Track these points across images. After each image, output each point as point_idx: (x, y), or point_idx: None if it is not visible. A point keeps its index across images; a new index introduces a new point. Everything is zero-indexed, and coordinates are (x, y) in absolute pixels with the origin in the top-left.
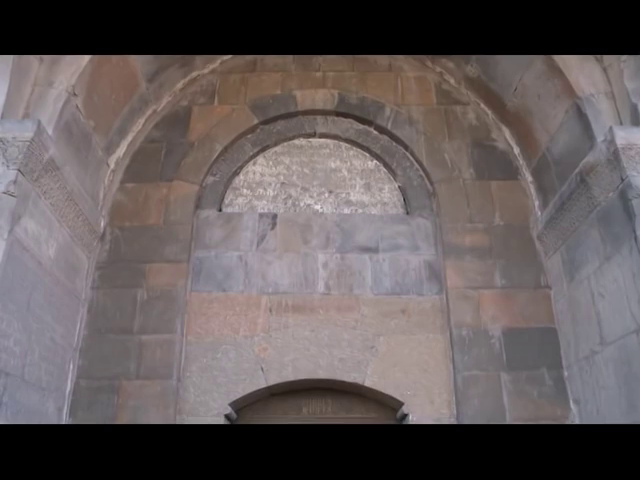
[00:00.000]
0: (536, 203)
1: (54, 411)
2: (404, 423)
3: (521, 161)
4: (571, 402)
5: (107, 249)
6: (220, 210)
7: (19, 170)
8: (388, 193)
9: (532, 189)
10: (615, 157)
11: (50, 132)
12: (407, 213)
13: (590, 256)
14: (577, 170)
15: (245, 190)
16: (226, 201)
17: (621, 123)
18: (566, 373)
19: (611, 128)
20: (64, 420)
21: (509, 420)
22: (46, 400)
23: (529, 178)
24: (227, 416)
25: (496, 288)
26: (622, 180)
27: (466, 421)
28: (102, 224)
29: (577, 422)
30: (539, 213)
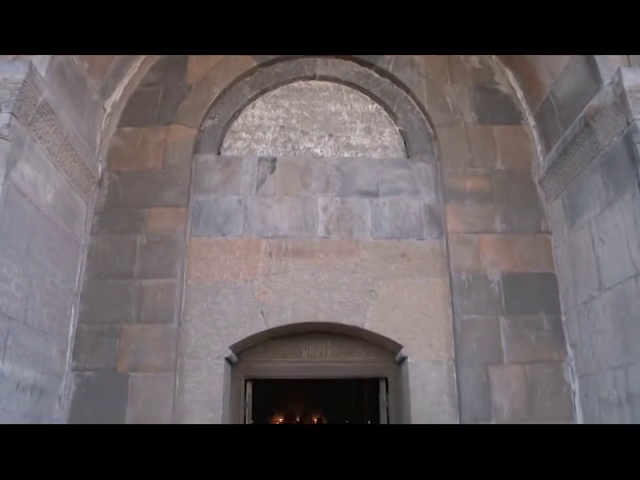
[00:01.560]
0: (538, 148)
1: (57, 354)
2: (403, 365)
3: (524, 105)
4: (568, 346)
5: (105, 194)
6: (219, 154)
7: (12, 113)
8: (389, 137)
9: (535, 134)
10: (622, 100)
11: (43, 74)
12: (408, 157)
13: (592, 201)
14: (581, 114)
15: (244, 134)
16: (225, 145)
17: (629, 65)
18: (564, 318)
19: (619, 70)
20: (67, 363)
21: (506, 362)
22: (49, 344)
23: (532, 122)
24: (228, 359)
25: (496, 233)
26: (628, 124)
27: (464, 364)
28: (99, 169)
29: (573, 365)
30: (541, 158)
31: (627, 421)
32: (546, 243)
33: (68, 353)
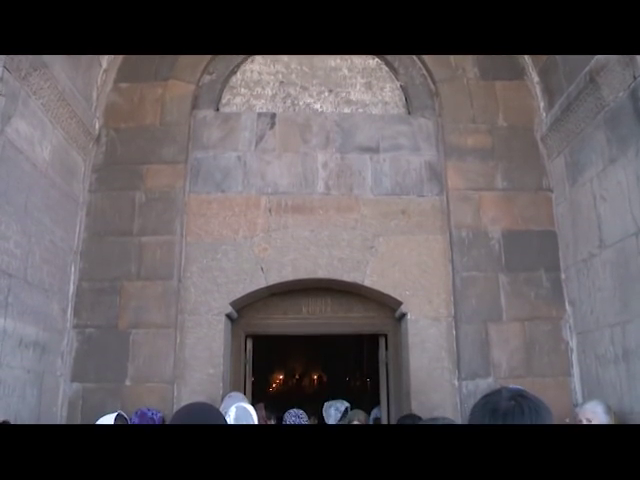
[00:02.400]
0: (541, 104)
1: (58, 312)
2: (402, 322)
3: (528, 60)
4: (567, 303)
5: (103, 151)
6: (217, 110)
7: (5, 67)
8: (389, 92)
9: (538, 90)
10: None
11: None
12: (409, 113)
13: (594, 159)
14: (587, 69)
15: (243, 89)
16: (223, 101)
17: None
18: (563, 275)
19: None
20: (69, 320)
21: (505, 319)
22: (50, 301)
23: (535, 78)
24: (228, 315)
25: (497, 190)
26: (634, 79)
27: (463, 321)
28: (97, 125)
29: (571, 322)
30: (544, 115)
31: (623, 377)
32: (547, 201)
33: (69, 310)
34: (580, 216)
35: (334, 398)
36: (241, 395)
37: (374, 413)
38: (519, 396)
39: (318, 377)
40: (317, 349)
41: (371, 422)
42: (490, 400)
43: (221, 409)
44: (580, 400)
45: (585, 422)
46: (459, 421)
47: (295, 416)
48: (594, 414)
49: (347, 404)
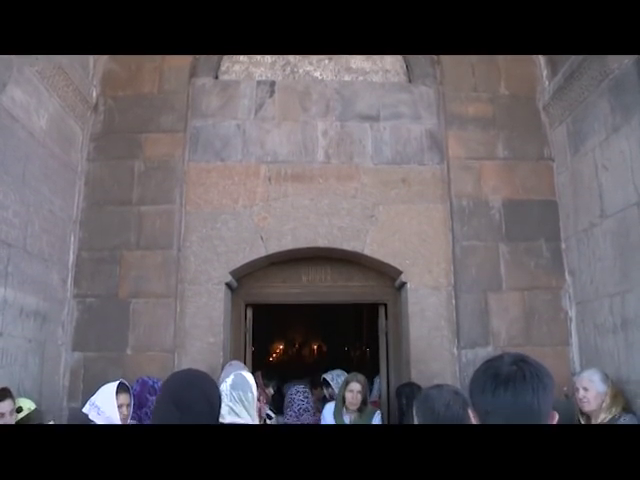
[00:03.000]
0: (544, 72)
1: (58, 281)
2: (402, 291)
3: None
4: (566, 273)
5: (101, 120)
6: (216, 78)
7: None
8: (390, 60)
9: (541, 58)
10: None
11: None
12: (409, 81)
13: (597, 127)
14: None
15: (242, 57)
16: (222, 69)
17: None
18: (563, 245)
19: None
20: (69, 290)
21: (505, 289)
22: (50, 271)
23: None
24: (228, 284)
25: (498, 159)
26: None
27: (463, 290)
28: (94, 94)
29: (571, 292)
30: (547, 83)
31: (621, 346)
32: (548, 170)
33: (69, 280)
34: (581, 186)
35: (333, 368)
36: (241, 364)
37: (376, 382)
38: (521, 361)
39: (318, 347)
40: (317, 319)
41: (375, 392)
42: (492, 365)
43: (221, 377)
44: (578, 369)
45: (582, 391)
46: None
47: (299, 393)
48: (591, 382)
49: (346, 374)
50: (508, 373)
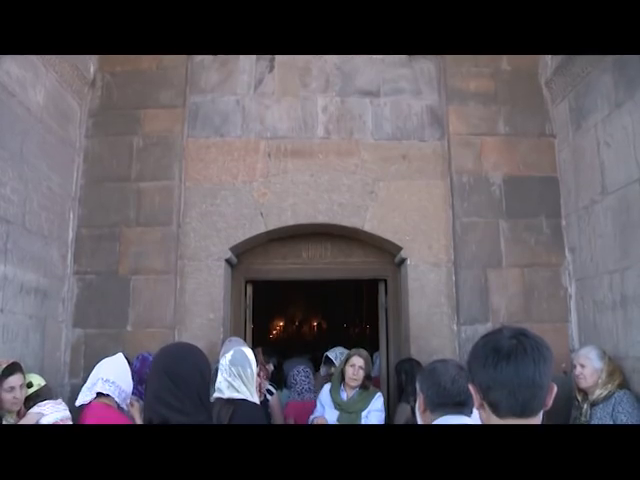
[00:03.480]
0: None
1: (58, 258)
2: (402, 267)
3: None
4: (566, 250)
5: (99, 96)
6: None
7: None
8: None
9: None
10: None
11: None
12: (410, 56)
13: (600, 103)
14: None
15: None
16: None
17: None
18: (564, 222)
19: None
20: (69, 267)
21: (505, 265)
22: (50, 248)
23: None
24: (227, 260)
25: (499, 135)
26: None
27: (463, 266)
28: (91, 69)
29: (571, 269)
30: (549, 58)
31: (620, 323)
32: (550, 147)
33: (69, 257)
34: (583, 162)
35: (333, 345)
36: (241, 340)
37: (377, 359)
38: (521, 334)
39: (318, 324)
40: (317, 296)
41: (376, 369)
42: (491, 339)
43: (220, 354)
44: (577, 346)
45: (579, 367)
46: None
47: (300, 373)
48: (587, 359)
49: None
50: (509, 347)
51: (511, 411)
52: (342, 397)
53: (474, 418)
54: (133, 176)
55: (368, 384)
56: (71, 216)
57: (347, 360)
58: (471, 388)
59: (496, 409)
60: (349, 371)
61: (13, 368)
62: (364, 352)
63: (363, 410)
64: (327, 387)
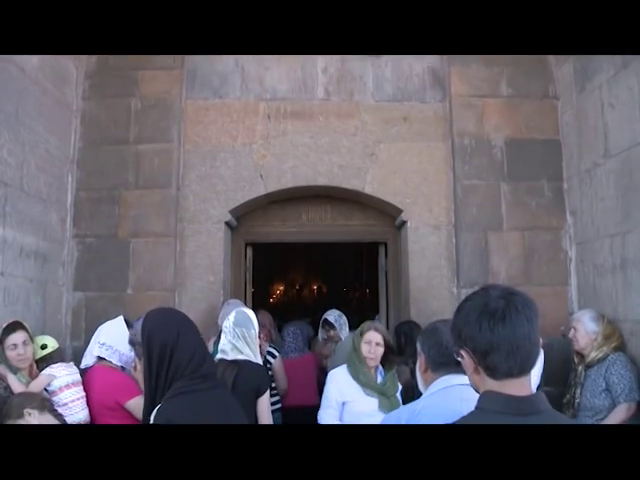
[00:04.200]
0: None
1: (57, 222)
2: (402, 229)
3: None
4: (567, 213)
5: (95, 57)
6: None
7: None
8: None
9: None
10: None
11: None
12: None
13: (605, 64)
14: None
15: None
16: None
17: None
18: (565, 185)
19: None
20: (68, 230)
21: (505, 229)
22: (48, 211)
23: None
24: (227, 223)
25: (501, 97)
26: None
27: (463, 229)
28: None
29: (571, 233)
30: None
31: (619, 286)
32: (553, 109)
33: (68, 220)
34: (586, 125)
35: (331, 308)
36: (239, 302)
37: (377, 320)
38: (508, 294)
39: (318, 288)
40: (317, 260)
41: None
42: (479, 302)
43: (219, 317)
44: (576, 309)
45: (572, 330)
46: None
47: (289, 334)
48: (579, 322)
49: (344, 315)
50: (502, 308)
51: (509, 372)
52: (378, 378)
53: None
54: (131, 139)
55: (394, 359)
56: (69, 179)
57: (361, 335)
58: (463, 353)
59: (493, 372)
60: (364, 349)
61: (14, 326)
62: (380, 326)
63: (397, 391)
64: (339, 374)
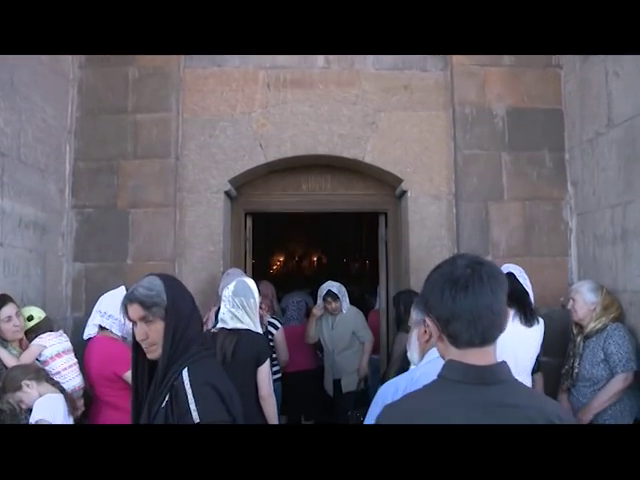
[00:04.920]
0: None
1: (56, 192)
2: (402, 199)
3: None
4: (569, 184)
5: None
6: None
7: None
8: None
9: None
10: None
11: None
12: None
13: None
14: None
15: None
16: None
17: None
18: (567, 155)
19: None
20: (67, 201)
21: (506, 199)
22: (46, 181)
23: None
24: (227, 193)
25: (503, 66)
26: None
27: (464, 199)
28: None
29: (572, 203)
30: None
31: (619, 256)
32: (555, 78)
33: (67, 191)
34: (589, 94)
35: (333, 280)
36: (239, 271)
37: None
38: (475, 263)
39: (318, 259)
40: (317, 231)
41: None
42: (446, 271)
43: (219, 288)
44: (576, 280)
45: (571, 301)
46: None
47: (293, 303)
48: (577, 293)
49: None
50: (465, 277)
51: (471, 341)
52: None
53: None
54: (129, 108)
55: None
56: (67, 149)
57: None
58: (428, 321)
59: (455, 340)
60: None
61: (4, 299)
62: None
63: None
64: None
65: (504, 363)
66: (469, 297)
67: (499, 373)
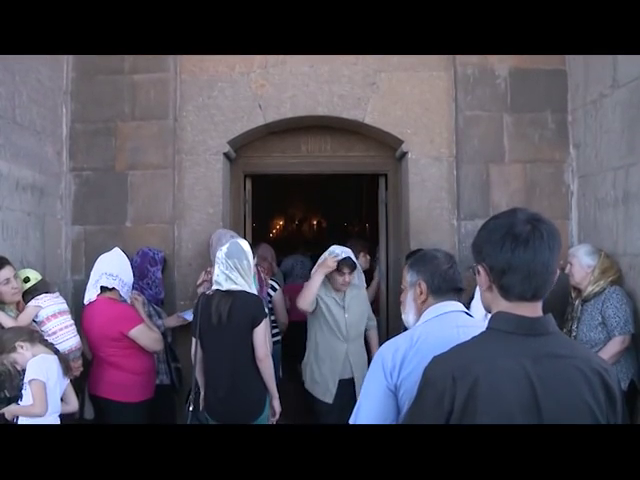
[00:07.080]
0: None
1: (53, 155)
2: (403, 161)
3: None
4: (571, 146)
5: None
6: None
7: None
8: None
9: None
10: None
11: None
12: None
13: None
14: None
15: None
16: None
17: None
18: (570, 117)
19: None
20: (65, 164)
21: (507, 161)
22: (44, 144)
23: None
24: (226, 154)
25: None
26: None
27: (465, 161)
28: None
29: (574, 166)
30: None
31: (620, 220)
32: None
33: (64, 153)
34: None
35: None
36: (225, 231)
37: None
38: (535, 220)
39: (317, 222)
40: (316, 194)
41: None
42: (505, 223)
43: (211, 251)
44: (576, 243)
45: (568, 265)
46: (457, 259)
47: (298, 262)
48: (574, 257)
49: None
50: (526, 233)
51: (522, 295)
52: None
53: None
54: (126, 69)
55: None
56: (64, 111)
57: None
58: (480, 269)
59: (507, 292)
60: None
61: (1, 263)
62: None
63: None
64: None
65: (550, 316)
66: (528, 252)
67: (547, 325)
